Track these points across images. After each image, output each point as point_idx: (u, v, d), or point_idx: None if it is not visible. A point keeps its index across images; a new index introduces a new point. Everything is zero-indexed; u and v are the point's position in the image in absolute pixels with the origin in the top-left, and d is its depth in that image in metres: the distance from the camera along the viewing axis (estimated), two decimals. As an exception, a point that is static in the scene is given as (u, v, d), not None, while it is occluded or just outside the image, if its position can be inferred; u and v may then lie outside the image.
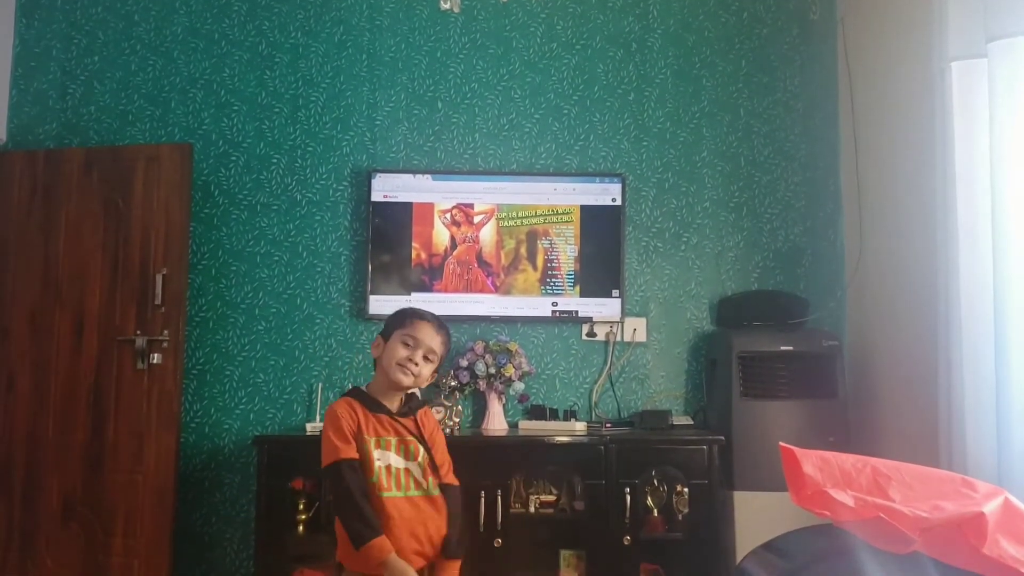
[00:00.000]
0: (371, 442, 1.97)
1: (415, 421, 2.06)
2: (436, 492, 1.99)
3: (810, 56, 3.48)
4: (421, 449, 2.01)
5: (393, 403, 2.06)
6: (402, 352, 2.01)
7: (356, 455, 1.94)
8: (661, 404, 3.28)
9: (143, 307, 3.05)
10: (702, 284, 3.37)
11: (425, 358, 2.03)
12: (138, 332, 3.03)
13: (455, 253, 3.29)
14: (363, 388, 2.08)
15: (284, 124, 3.38)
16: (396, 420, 2.02)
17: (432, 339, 2.04)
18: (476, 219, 3.30)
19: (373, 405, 2.02)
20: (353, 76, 3.41)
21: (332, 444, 1.94)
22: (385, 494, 1.93)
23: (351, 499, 1.90)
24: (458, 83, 3.42)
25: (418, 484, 1.98)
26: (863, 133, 3.23)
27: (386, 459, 1.97)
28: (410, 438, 2.01)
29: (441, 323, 2.10)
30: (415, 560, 1.91)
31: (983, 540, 1.31)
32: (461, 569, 1.99)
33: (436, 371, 2.10)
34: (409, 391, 2.11)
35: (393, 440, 1.99)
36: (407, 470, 1.98)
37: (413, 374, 2.01)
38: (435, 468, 2.02)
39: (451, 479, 2.06)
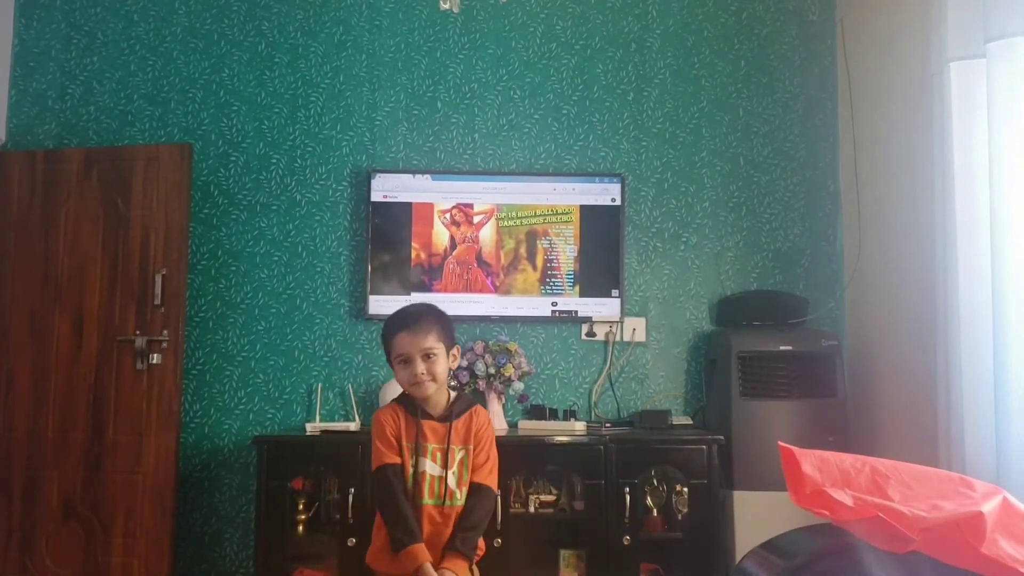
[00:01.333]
0: (408, 448, 1.96)
1: (460, 425, 2.01)
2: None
3: (809, 56, 3.49)
4: (459, 456, 1.98)
5: (437, 407, 2.02)
6: (403, 373, 1.98)
7: (399, 460, 1.95)
8: (660, 404, 3.29)
9: (143, 307, 3.05)
10: (701, 284, 3.38)
11: (426, 359, 1.96)
12: (138, 332, 3.03)
13: (455, 253, 3.29)
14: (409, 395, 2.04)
15: (283, 124, 3.38)
16: (438, 425, 1.99)
17: (417, 344, 1.95)
18: (476, 219, 3.30)
19: (416, 411, 1.99)
20: (352, 76, 3.41)
21: (377, 449, 1.97)
22: (423, 501, 1.94)
23: (392, 503, 1.91)
24: (458, 83, 3.42)
25: (451, 494, 1.96)
26: (862, 133, 3.24)
27: (422, 466, 1.95)
28: (450, 445, 1.98)
29: (417, 318, 1.97)
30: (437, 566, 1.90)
31: (981, 539, 1.31)
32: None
33: (452, 355, 2.02)
34: (456, 391, 2.10)
35: (431, 447, 1.97)
36: (442, 478, 1.96)
37: (426, 381, 1.96)
38: (473, 469, 1.99)
39: (487, 480, 2.01)
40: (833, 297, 3.34)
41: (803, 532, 1.72)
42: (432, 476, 1.96)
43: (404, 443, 1.97)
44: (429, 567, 1.85)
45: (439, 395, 2.03)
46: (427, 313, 2.01)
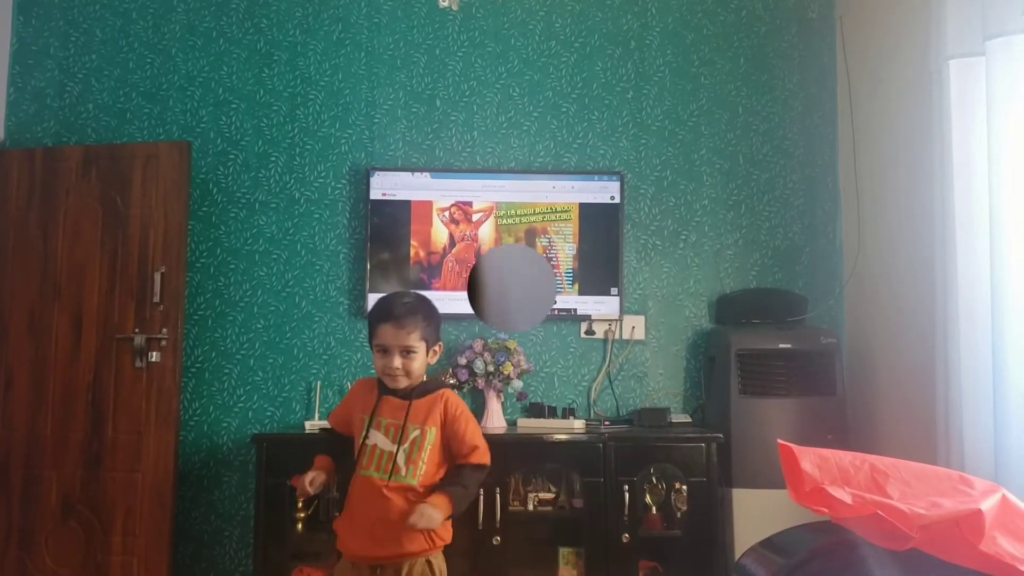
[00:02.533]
0: (362, 420, 2.01)
1: (421, 405, 1.99)
2: (414, 482, 1.93)
3: (808, 54, 3.48)
4: (413, 434, 1.97)
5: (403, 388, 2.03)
6: (379, 361, 1.99)
7: (338, 427, 2.13)
8: (660, 402, 3.29)
9: (142, 305, 3.04)
10: (701, 282, 3.38)
11: (404, 355, 1.96)
12: (137, 330, 3.03)
13: (454, 251, 3.29)
14: None
15: (282, 122, 3.38)
16: (397, 401, 2.00)
17: (398, 338, 1.94)
18: (475, 217, 3.30)
19: (385, 388, 2.03)
20: (352, 74, 3.41)
21: (336, 408, 2.24)
22: (362, 472, 1.96)
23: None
24: (457, 81, 3.42)
25: (397, 470, 1.94)
26: (861, 131, 3.24)
27: (374, 438, 1.98)
28: (406, 423, 1.97)
29: (404, 313, 1.96)
30: (367, 547, 1.92)
31: (980, 537, 1.31)
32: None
33: (432, 351, 2.02)
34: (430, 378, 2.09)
35: (384, 421, 1.99)
36: (391, 453, 1.95)
37: (400, 376, 1.97)
38: (443, 454, 1.99)
39: (477, 460, 1.98)
40: (832, 295, 3.34)
41: (802, 530, 1.72)
42: (381, 450, 1.96)
43: (360, 415, 2.02)
44: (315, 472, 2.02)
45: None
46: (415, 311, 1.99)
